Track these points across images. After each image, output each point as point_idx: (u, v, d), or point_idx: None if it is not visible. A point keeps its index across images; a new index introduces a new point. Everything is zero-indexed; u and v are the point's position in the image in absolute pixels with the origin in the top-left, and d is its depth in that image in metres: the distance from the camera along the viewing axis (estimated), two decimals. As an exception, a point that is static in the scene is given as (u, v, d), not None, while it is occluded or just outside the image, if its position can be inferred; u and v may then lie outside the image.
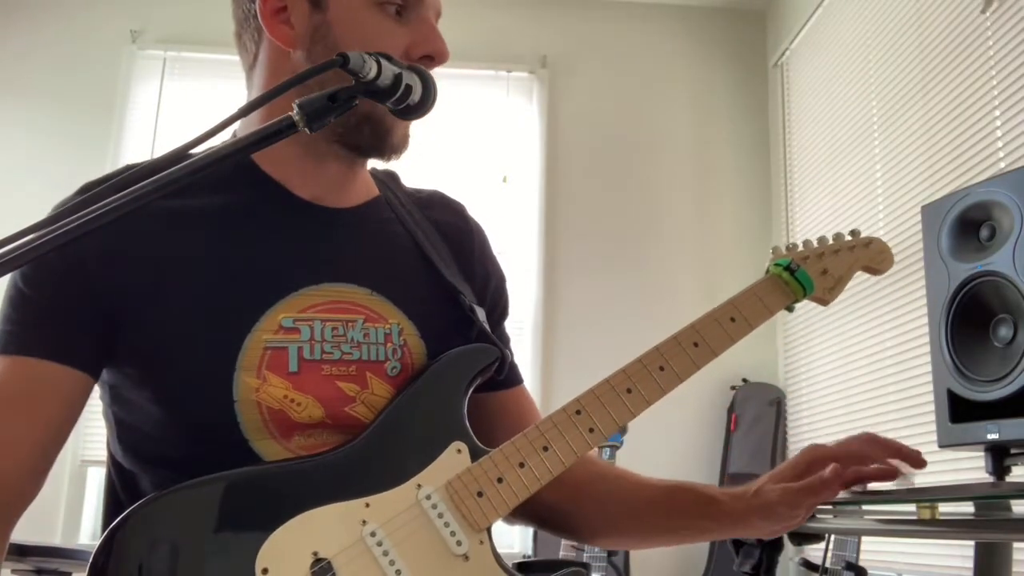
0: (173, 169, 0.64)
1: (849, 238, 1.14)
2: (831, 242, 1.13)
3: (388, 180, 1.10)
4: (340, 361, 0.92)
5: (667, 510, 1.02)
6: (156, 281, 0.88)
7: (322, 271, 0.94)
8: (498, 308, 1.12)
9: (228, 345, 0.87)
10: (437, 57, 0.93)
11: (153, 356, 0.87)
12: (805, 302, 1.11)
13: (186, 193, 0.90)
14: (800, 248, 1.11)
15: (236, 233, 0.93)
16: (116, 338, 0.87)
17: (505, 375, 1.04)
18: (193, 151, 0.70)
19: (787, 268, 1.07)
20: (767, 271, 1.09)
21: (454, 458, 0.91)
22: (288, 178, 0.97)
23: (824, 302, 1.11)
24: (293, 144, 0.92)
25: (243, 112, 0.71)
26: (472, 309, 1.02)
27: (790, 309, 1.10)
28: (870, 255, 1.15)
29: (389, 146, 0.96)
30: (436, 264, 1.02)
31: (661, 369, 0.97)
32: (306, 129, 0.71)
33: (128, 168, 0.83)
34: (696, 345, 1.00)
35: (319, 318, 0.92)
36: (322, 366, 0.91)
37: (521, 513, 0.98)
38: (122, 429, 0.91)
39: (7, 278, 0.75)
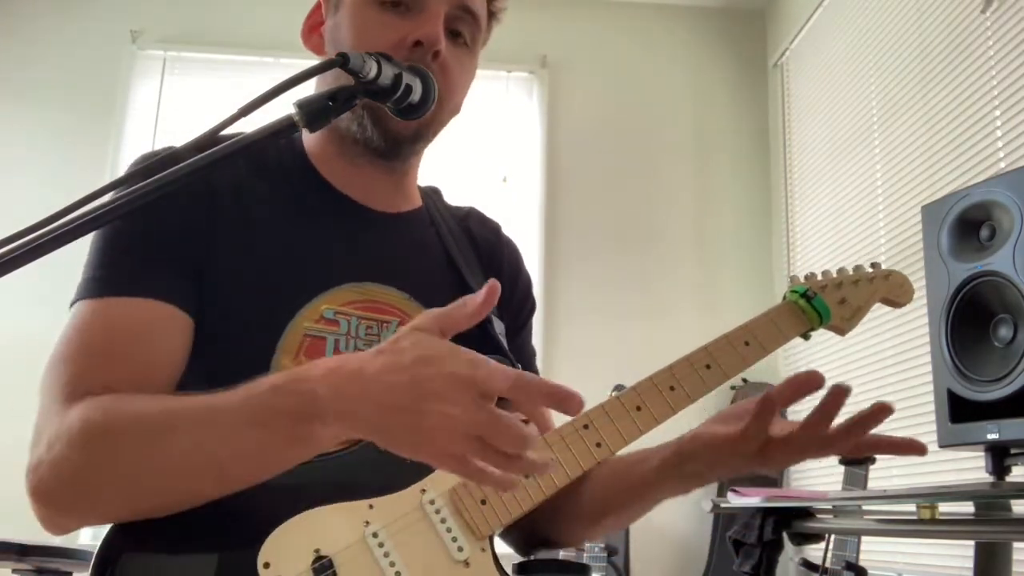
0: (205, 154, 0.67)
1: (870, 269, 1.15)
2: (850, 273, 1.13)
3: (431, 194, 1.13)
4: None
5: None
6: (221, 251, 0.91)
7: (366, 270, 0.97)
8: (522, 314, 1.15)
9: (272, 326, 0.90)
10: (425, 41, 0.91)
11: (205, 325, 0.89)
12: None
13: (253, 173, 0.95)
14: (818, 277, 1.12)
15: (293, 221, 0.96)
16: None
17: None
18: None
19: (804, 295, 1.08)
20: (784, 298, 1.10)
21: None
22: (335, 178, 1.00)
23: (841, 332, 1.11)
24: (331, 144, 0.99)
25: (242, 112, 0.71)
26: (489, 319, 1.03)
27: (806, 337, 1.10)
28: (889, 287, 1.15)
29: (393, 139, 0.96)
30: (462, 271, 1.04)
31: (672, 389, 0.98)
32: (306, 129, 0.72)
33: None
34: (708, 367, 1.00)
35: (356, 314, 0.94)
36: None
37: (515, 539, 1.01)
38: None
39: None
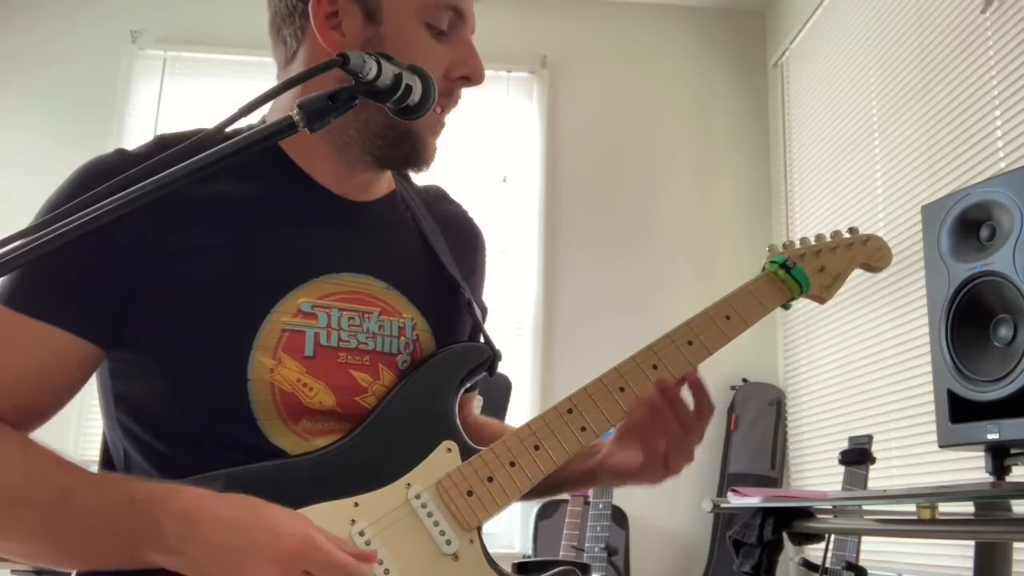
0: (191, 160, 0.67)
1: (847, 235, 1.14)
2: (828, 239, 1.13)
3: (400, 175, 1.12)
4: (356, 350, 0.93)
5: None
6: (180, 255, 0.88)
7: (343, 261, 0.95)
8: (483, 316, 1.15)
9: (247, 324, 0.88)
10: (474, 78, 0.98)
11: (171, 329, 0.87)
12: (803, 300, 1.11)
13: (214, 175, 0.91)
14: (797, 246, 1.11)
15: (262, 217, 0.94)
16: (135, 309, 0.87)
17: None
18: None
19: (783, 265, 1.07)
20: (763, 268, 1.09)
21: (444, 457, 0.91)
22: (316, 171, 0.98)
23: (821, 300, 1.11)
24: (326, 144, 0.96)
25: (242, 112, 0.71)
26: (470, 303, 1.04)
27: (786, 307, 1.09)
28: (868, 252, 1.15)
29: (422, 160, 0.98)
30: (440, 258, 1.04)
31: (655, 367, 0.98)
32: (306, 129, 0.71)
33: (161, 140, 0.93)
34: (690, 343, 1.00)
35: (337, 306, 0.93)
36: (338, 354, 0.92)
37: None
38: (123, 405, 0.91)
39: None
